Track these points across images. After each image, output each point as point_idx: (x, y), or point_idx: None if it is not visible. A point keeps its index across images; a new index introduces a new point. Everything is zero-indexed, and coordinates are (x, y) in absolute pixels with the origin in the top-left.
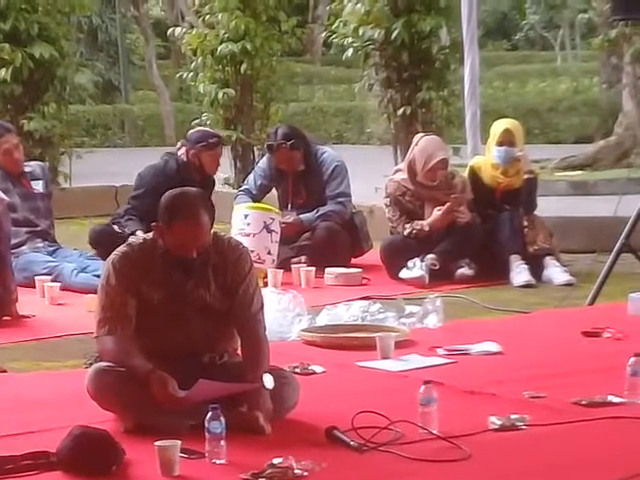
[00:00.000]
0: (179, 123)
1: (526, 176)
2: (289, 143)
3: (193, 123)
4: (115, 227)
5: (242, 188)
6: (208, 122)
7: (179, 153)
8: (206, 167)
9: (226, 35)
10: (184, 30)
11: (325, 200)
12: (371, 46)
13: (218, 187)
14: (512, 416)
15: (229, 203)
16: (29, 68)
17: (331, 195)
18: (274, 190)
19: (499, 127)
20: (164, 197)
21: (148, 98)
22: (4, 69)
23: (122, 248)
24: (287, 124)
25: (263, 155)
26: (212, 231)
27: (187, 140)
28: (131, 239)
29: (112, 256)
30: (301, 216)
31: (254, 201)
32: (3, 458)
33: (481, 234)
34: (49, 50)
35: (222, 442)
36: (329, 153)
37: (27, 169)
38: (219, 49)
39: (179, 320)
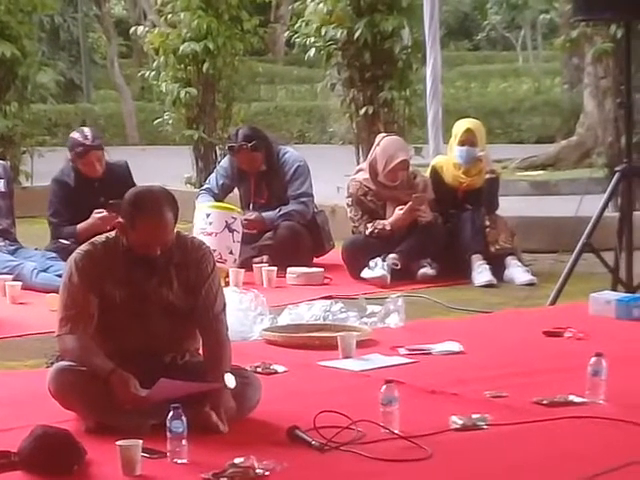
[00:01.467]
0: (141, 122)
1: (488, 176)
2: (250, 145)
3: (155, 122)
4: (63, 242)
5: (204, 187)
6: (170, 121)
7: (69, 159)
8: (84, 172)
9: (188, 34)
10: (146, 29)
11: (287, 200)
12: (333, 46)
13: (180, 186)
14: (473, 416)
15: (191, 202)
16: None
17: (293, 195)
18: (236, 190)
19: (461, 127)
20: (127, 194)
21: (110, 97)
22: None
23: (84, 246)
24: (248, 125)
25: (225, 155)
26: (175, 230)
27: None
28: (94, 238)
29: (74, 254)
30: (263, 214)
31: (216, 200)
32: None
33: (443, 234)
34: (11, 49)
35: (184, 441)
36: (291, 153)
37: None
38: (181, 48)
39: (141, 319)
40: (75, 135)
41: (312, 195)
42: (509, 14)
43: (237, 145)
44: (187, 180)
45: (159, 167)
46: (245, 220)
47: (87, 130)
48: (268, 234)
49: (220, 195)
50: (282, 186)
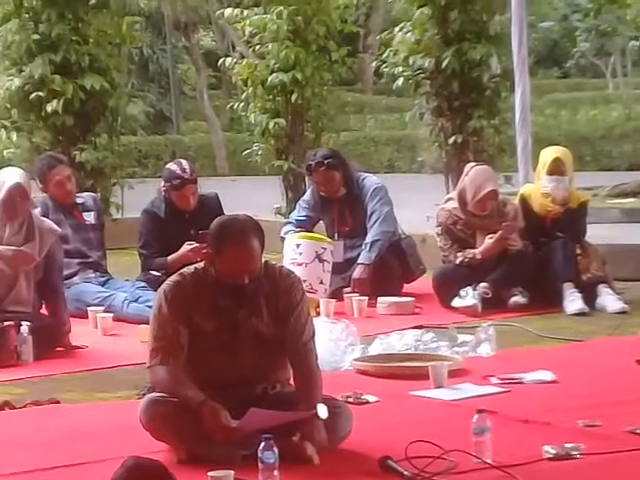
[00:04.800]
0: (230, 153)
1: (574, 204)
2: (326, 162)
3: (244, 153)
4: (154, 273)
5: (287, 221)
6: (259, 152)
7: (162, 189)
8: (178, 204)
9: (276, 65)
10: (235, 60)
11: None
12: (422, 75)
13: (270, 217)
14: (566, 445)
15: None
16: (80, 99)
17: (371, 213)
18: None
19: (549, 156)
20: (213, 224)
21: (199, 128)
22: (55, 101)
23: (174, 277)
24: (328, 147)
25: (309, 186)
26: (263, 260)
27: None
28: (183, 269)
29: (164, 286)
30: (359, 261)
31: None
32: None
33: (533, 262)
34: (100, 81)
35: (275, 472)
36: (369, 178)
37: (79, 200)
38: (269, 79)
39: (231, 349)
40: (173, 167)
41: (390, 210)
42: (598, 41)
43: (314, 163)
44: (277, 210)
45: (249, 198)
46: (357, 280)
47: (185, 163)
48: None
49: (303, 228)
50: (365, 212)
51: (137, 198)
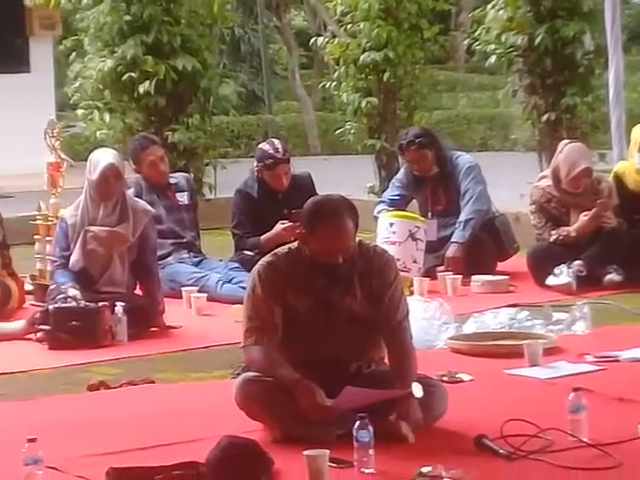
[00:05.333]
0: (322, 132)
1: None
2: (418, 141)
3: (337, 132)
4: (247, 253)
5: (380, 200)
6: (352, 131)
7: (255, 169)
8: (271, 184)
9: (368, 44)
10: (326, 40)
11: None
12: (514, 53)
13: (363, 196)
14: None
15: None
16: (172, 80)
17: (465, 192)
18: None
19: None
20: (307, 204)
21: (291, 108)
22: (147, 82)
23: (268, 257)
24: (421, 126)
25: (402, 165)
26: (357, 239)
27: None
28: (277, 249)
29: (258, 266)
30: (453, 239)
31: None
32: (153, 469)
33: (628, 239)
34: (192, 62)
35: (371, 451)
36: (463, 156)
37: (172, 181)
38: (361, 58)
39: (326, 329)
40: (265, 147)
41: (484, 188)
42: None
43: (406, 142)
44: (370, 189)
45: (341, 177)
46: (449, 267)
47: (277, 142)
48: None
49: (397, 207)
50: (458, 190)
51: (230, 178)
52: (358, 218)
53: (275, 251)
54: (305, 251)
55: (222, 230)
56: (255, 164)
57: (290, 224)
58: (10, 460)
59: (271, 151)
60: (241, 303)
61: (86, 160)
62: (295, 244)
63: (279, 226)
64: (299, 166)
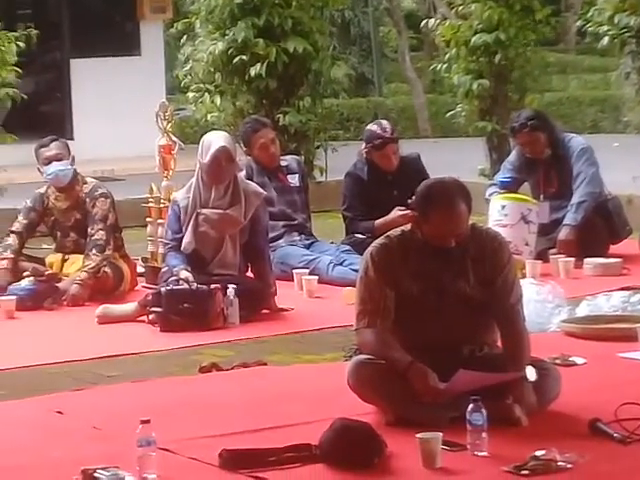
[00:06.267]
0: (432, 115)
1: None
2: (530, 123)
3: (448, 115)
4: (359, 236)
5: (492, 182)
6: (463, 113)
7: (363, 151)
8: (380, 165)
9: (479, 26)
10: (438, 22)
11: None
12: (627, 34)
13: (474, 178)
14: None
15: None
16: (283, 62)
17: (577, 174)
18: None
19: None
20: (420, 187)
21: (401, 90)
22: (259, 64)
23: (381, 240)
24: (532, 108)
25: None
26: (470, 222)
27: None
28: (390, 232)
29: (371, 248)
30: (565, 222)
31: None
32: (266, 450)
33: None
34: (303, 44)
35: (484, 434)
36: (575, 139)
37: (283, 163)
38: (473, 40)
39: (438, 312)
40: (373, 127)
41: (596, 172)
42: None
43: (518, 125)
44: (481, 172)
45: (451, 159)
46: (561, 249)
47: (385, 122)
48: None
49: (508, 190)
50: (570, 173)
51: (340, 160)
52: (471, 202)
53: (388, 234)
54: (418, 234)
55: (333, 212)
56: (364, 145)
57: (406, 211)
58: (123, 441)
59: (379, 131)
60: (352, 285)
61: (195, 143)
62: (408, 227)
63: (395, 212)
64: (409, 148)
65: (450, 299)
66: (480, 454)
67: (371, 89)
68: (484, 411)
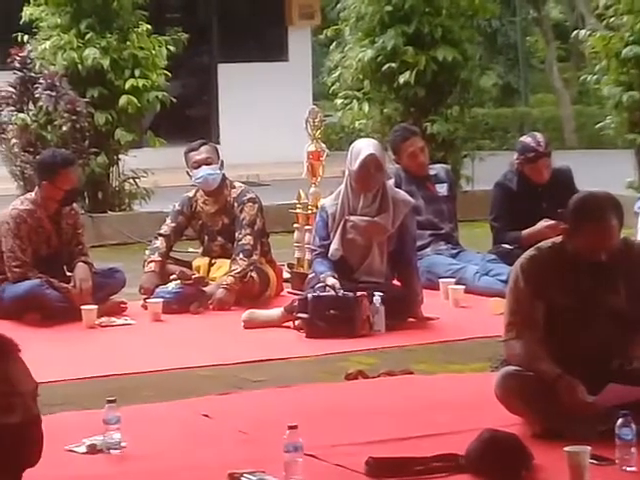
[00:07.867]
0: (579, 126)
1: None
2: None
3: (597, 126)
4: (506, 246)
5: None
6: (612, 125)
7: (515, 162)
8: (531, 178)
9: (631, 37)
10: (588, 33)
11: None
12: None
13: (622, 191)
14: None
15: (633, 208)
16: (432, 71)
17: None
18: None
19: None
20: (572, 200)
21: (547, 101)
22: (408, 72)
23: (531, 252)
24: None
25: None
26: (622, 236)
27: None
28: (540, 244)
29: (521, 259)
30: None
31: None
32: (413, 459)
33: None
34: (452, 53)
35: (633, 449)
36: None
37: (431, 172)
38: (623, 52)
39: (589, 326)
40: (527, 140)
41: None
42: None
43: None
44: (629, 185)
45: (599, 171)
46: None
47: (539, 136)
48: None
49: None
50: None
51: (486, 170)
52: (623, 216)
53: (538, 245)
54: (568, 247)
55: (479, 222)
56: (516, 157)
57: (554, 222)
58: (269, 446)
59: (533, 144)
60: (498, 296)
61: (341, 150)
62: (558, 239)
63: (542, 223)
64: (555, 159)
65: (600, 313)
66: (629, 469)
67: (516, 99)
68: (633, 426)
